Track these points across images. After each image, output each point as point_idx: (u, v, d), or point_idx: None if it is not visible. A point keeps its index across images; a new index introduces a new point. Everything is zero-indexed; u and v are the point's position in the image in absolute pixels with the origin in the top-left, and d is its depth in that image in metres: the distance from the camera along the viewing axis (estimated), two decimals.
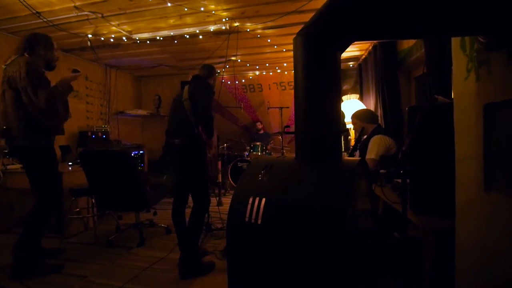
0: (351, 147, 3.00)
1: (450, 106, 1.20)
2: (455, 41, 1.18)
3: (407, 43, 2.95)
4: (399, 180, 1.63)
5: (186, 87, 2.19)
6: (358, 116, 2.63)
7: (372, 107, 3.75)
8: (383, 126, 3.31)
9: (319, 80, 0.99)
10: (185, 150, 2.08)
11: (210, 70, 2.33)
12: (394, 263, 1.64)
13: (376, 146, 2.28)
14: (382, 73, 3.26)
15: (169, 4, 2.62)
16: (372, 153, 2.27)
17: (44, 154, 2.11)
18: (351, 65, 4.92)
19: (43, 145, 2.10)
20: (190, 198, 2.22)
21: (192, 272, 2.02)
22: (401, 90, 3.24)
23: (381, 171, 1.94)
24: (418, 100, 3.13)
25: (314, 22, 1.00)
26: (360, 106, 3.95)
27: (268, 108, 5.00)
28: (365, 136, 2.61)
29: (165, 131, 2.23)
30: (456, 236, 1.16)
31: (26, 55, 2.03)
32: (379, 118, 3.33)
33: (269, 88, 5.48)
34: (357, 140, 2.73)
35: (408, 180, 1.37)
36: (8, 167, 2.89)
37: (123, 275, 2.03)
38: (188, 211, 2.16)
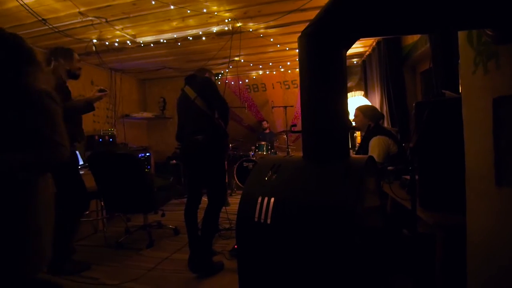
0: (358, 144, 2.98)
1: (458, 101, 1.18)
2: (461, 35, 1.16)
3: (412, 38, 2.92)
4: (408, 177, 1.61)
5: (188, 88, 2.21)
6: (362, 109, 2.59)
7: (377, 104, 3.72)
8: (389, 122, 3.29)
9: (325, 79, 0.99)
10: (209, 145, 2.09)
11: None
12: (405, 261, 1.63)
13: (376, 148, 2.26)
14: (386, 69, 3.23)
15: (172, 7, 2.63)
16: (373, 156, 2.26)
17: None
18: (355, 62, 4.89)
19: None
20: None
21: (204, 271, 2.03)
22: (407, 86, 3.21)
23: (389, 168, 1.93)
24: (424, 95, 3.10)
25: (318, 21, 0.99)
26: (365, 103, 3.92)
27: (273, 107, 5.00)
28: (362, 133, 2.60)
29: (175, 135, 2.26)
30: (467, 232, 1.14)
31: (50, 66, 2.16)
32: (385, 114, 3.30)
33: (273, 88, 5.47)
34: (363, 137, 2.71)
35: (416, 177, 1.36)
36: None
37: (133, 276, 2.06)
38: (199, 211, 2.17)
